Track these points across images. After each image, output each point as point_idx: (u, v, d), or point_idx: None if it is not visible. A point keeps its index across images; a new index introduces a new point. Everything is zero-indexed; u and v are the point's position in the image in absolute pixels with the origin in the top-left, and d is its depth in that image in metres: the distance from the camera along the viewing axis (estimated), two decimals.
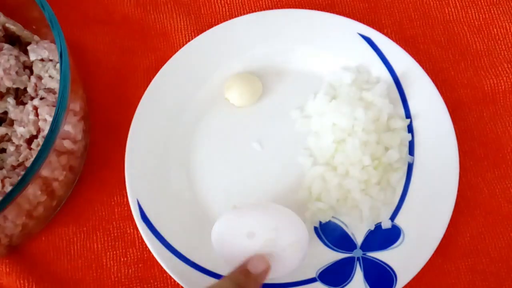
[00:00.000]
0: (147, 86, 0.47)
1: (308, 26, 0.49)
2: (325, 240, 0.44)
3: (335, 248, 0.44)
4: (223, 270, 0.42)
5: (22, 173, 0.40)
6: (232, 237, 0.39)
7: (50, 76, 0.43)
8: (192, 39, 0.49)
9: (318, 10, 0.49)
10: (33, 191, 0.39)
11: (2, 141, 0.42)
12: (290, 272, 0.40)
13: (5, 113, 0.43)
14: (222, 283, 0.36)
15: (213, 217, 0.44)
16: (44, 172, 0.38)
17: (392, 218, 0.44)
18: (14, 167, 0.41)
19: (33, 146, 0.41)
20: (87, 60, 0.51)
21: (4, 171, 0.40)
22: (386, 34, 0.48)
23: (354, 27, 0.48)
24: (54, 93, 0.42)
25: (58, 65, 0.43)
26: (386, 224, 0.44)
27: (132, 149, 0.45)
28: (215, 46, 0.48)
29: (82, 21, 0.52)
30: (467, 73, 0.50)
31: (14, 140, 0.42)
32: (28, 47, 0.43)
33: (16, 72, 0.42)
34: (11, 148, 0.42)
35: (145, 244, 0.43)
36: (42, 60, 0.43)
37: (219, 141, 0.47)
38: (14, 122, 0.42)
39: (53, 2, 0.41)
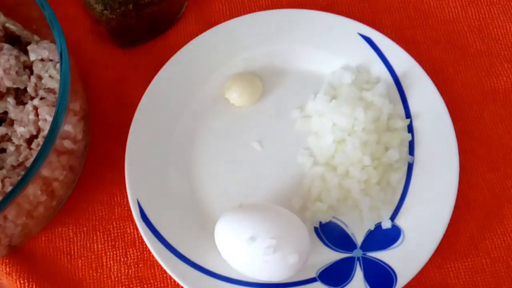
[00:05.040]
0: (147, 86, 0.47)
1: (308, 26, 0.49)
2: (325, 240, 0.44)
3: (335, 248, 0.44)
4: (223, 270, 0.42)
5: (22, 173, 0.40)
6: (234, 239, 0.39)
7: (50, 76, 0.43)
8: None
9: (318, 10, 0.49)
10: (33, 191, 0.38)
11: (2, 141, 0.42)
12: (288, 278, 0.40)
13: (5, 113, 0.43)
14: None
15: (213, 217, 0.44)
16: (44, 172, 0.38)
17: (392, 218, 0.44)
18: (14, 167, 0.41)
19: (33, 146, 0.41)
20: (87, 60, 0.51)
21: (4, 171, 0.40)
22: (386, 34, 0.48)
23: (354, 27, 0.48)
24: (54, 93, 0.42)
25: (58, 65, 0.43)
26: (386, 224, 0.44)
27: (132, 149, 0.45)
28: (215, 46, 0.48)
29: (82, 21, 0.52)
30: (467, 73, 0.50)
31: (14, 140, 0.41)
32: (28, 47, 0.43)
33: (16, 72, 0.42)
34: (11, 148, 0.41)
35: (145, 244, 0.43)
36: (42, 60, 0.43)
37: (219, 141, 0.47)
38: (14, 122, 0.42)
39: (53, 2, 0.41)
